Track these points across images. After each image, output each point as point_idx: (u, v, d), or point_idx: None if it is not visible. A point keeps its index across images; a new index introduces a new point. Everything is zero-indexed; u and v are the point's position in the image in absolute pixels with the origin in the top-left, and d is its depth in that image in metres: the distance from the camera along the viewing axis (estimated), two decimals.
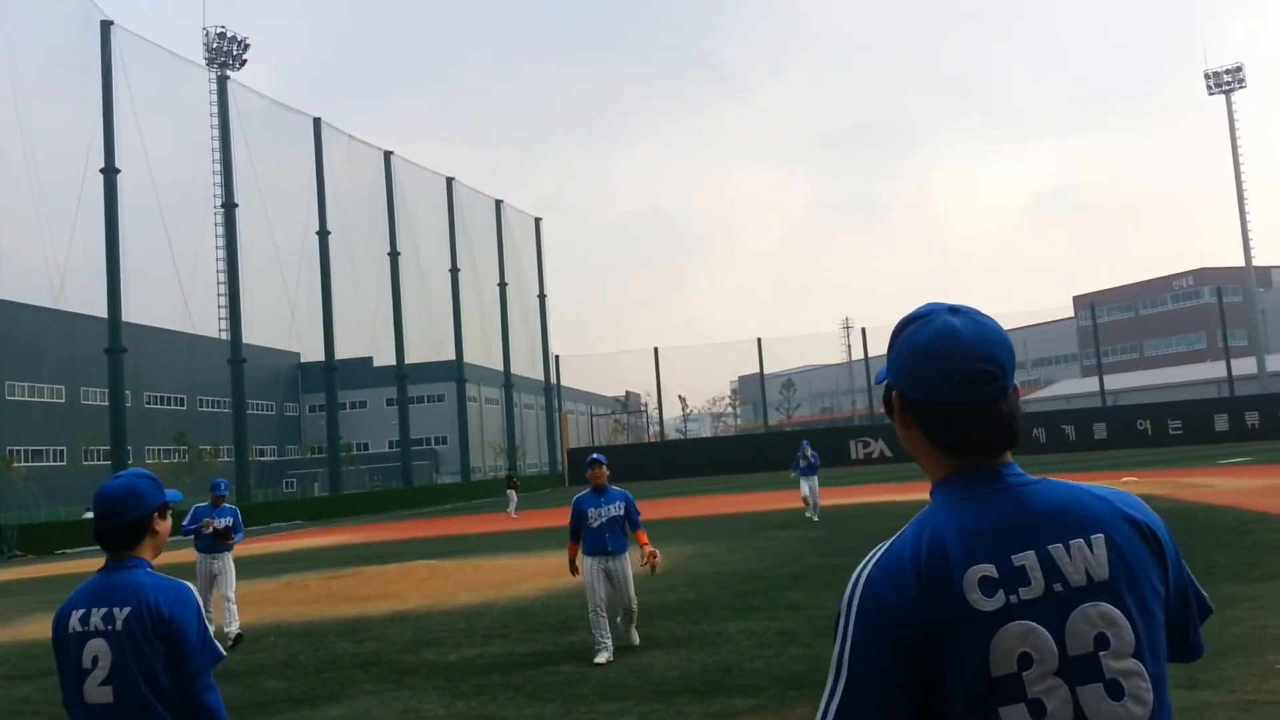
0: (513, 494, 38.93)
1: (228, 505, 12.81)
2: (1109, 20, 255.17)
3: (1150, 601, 1.61)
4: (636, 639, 10.06)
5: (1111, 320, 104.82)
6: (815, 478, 24.06)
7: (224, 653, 3.59)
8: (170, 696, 3.33)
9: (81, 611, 3.37)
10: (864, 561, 1.64)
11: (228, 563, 12.60)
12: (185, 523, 12.43)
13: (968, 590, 1.54)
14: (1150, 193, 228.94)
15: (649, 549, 9.66)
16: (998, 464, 1.67)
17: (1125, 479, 29.95)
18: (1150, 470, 34.84)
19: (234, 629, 12.13)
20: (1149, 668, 1.57)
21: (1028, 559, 1.57)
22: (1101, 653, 1.54)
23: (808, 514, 23.88)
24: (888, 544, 1.64)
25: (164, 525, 3.57)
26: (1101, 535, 1.60)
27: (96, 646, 3.32)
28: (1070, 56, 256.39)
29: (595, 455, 9.92)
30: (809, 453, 23.85)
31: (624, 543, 9.69)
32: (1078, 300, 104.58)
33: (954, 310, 1.70)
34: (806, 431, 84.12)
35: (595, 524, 9.55)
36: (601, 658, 9.32)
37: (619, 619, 9.91)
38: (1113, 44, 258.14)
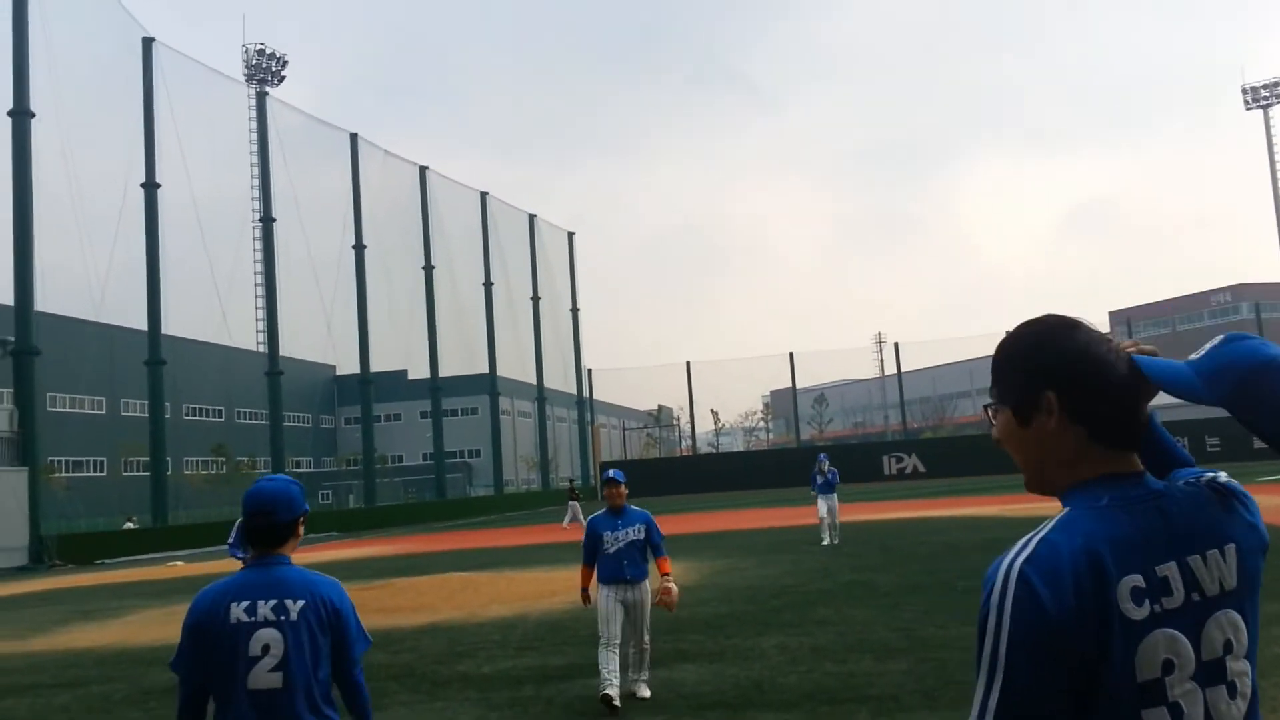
0: (576, 505, 38.98)
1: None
2: (1145, 35, 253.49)
3: (1257, 601, 1.70)
4: (646, 691, 8.65)
5: (1148, 335, 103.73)
6: (835, 496, 22.27)
7: (371, 640, 3.94)
8: (325, 684, 3.66)
9: (246, 603, 3.63)
10: (1009, 558, 1.62)
11: None
12: (231, 541, 10.76)
13: (1121, 600, 1.57)
14: (1187, 208, 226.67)
15: (665, 583, 8.45)
16: (1135, 469, 1.72)
17: None
18: None
19: None
20: (1252, 665, 1.68)
21: (1170, 570, 1.62)
22: (1226, 656, 1.63)
23: (825, 539, 21.78)
24: (1033, 542, 1.63)
25: (302, 531, 3.87)
26: (1232, 545, 1.68)
27: (267, 635, 3.58)
28: (1105, 71, 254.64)
29: (612, 473, 8.75)
30: (827, 468, 22.25)
31: (644, 570, 8.58)
32: (1114, 316, 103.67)
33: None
34: (838, 447, 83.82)
35: (612, 549, 8.49)
36: (611, 690, 8.19)
37: (630, 660, 8.69)
38: (1149, 59, 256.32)
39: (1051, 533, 1.63)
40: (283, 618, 3.60)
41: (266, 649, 3.57)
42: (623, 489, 8.71)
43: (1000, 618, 1.57)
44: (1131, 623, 1.57)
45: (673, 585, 8.46)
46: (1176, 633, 1.59)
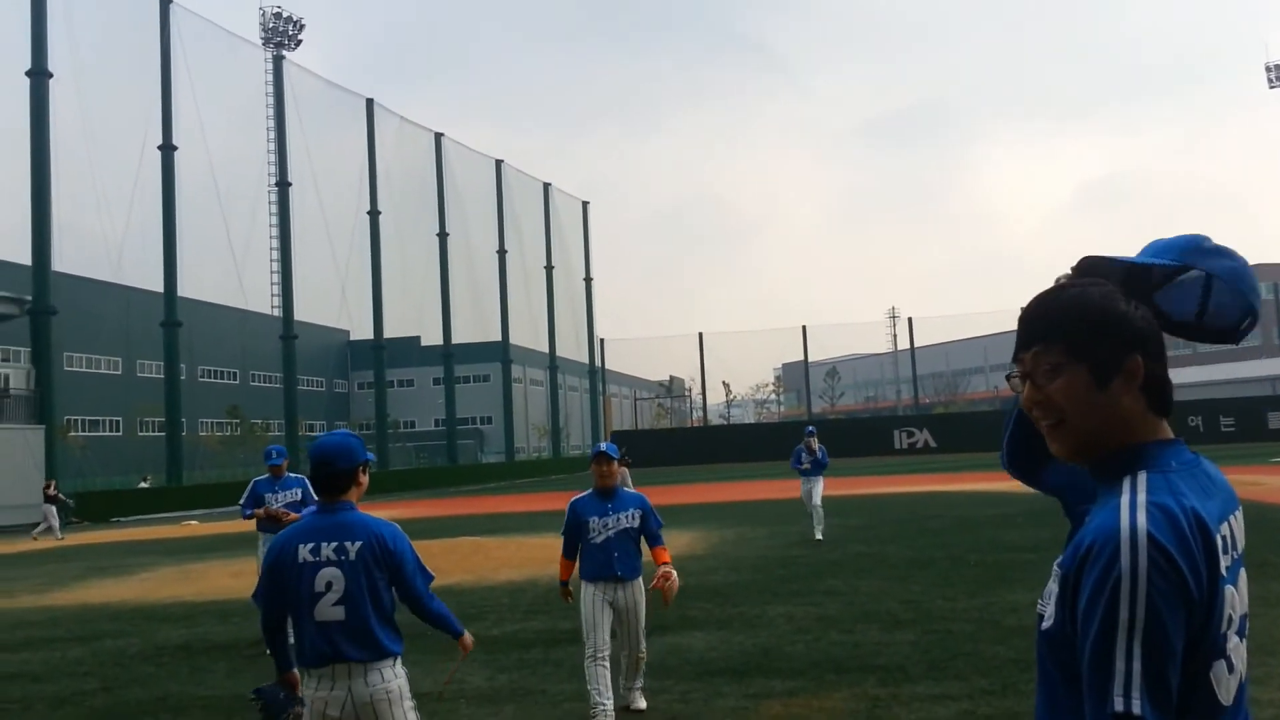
0: (625, 472, 38.90)
1: (291, 475, 10.60)
2: (1168, 11, 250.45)
3: None
4: (642, 702, 7.35)
5: None
6: (821, 480, 18.16)
7: (433, 574, 4.44)
8: (388, 614, 4.15)
9: (311, 545, 4.09)
10: (1127, 523, 1.60)
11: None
12: (242, 502, 10.55)
13: (1221, 553, 1.62)
14: (1206, 185, 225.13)
15: (663, 569, 6.96)
16: (1174, 436, 1.76)
17: None
18: None
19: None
20: None
21: (1227, 527, 1.68)
22: (1244, 613, 1.71)
23: (818, 534, 17.53)
24: (1140, 507, 1.62)
25: (365, 479, 4.30)
26: (1240, 508, 1.77)
27: (330, 574, 4.05)
28: (1127, 46, 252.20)
29: (603, 446, 7.27)
30: (816, 445, 18.17)
31: (637, 565, 7.10)
32: None
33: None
34: (849, 420, 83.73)
35: (599, 538, 6.96)
36: (603, 717, 6.80)
37: (623, 667, 7.30)
38: (1172, 35, 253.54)
39: (1155, 496, 1.63)
40: (343, 558, 4.05)
41: (329, 585, 4.02)
42: (615, 466, 7.17)
43: (1135, 582, 1.55)
44: (1219, 577, 1.60)
45: (673, 571, 7.02)
46: (1234, 587, 1.64)
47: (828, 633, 9.70)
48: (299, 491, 10.30)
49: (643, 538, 7.13)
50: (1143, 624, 1.53)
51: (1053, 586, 1.69)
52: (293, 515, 9.68)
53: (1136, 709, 1.51)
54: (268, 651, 6.05)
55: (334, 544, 4.07)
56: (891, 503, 25.25)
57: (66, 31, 41.63)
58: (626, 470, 39.89)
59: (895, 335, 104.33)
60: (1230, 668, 1.62)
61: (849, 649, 8.94)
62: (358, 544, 4.08)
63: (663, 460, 56.53)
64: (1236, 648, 1.64)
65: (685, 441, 68.46)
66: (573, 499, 7.23)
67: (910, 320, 76.83)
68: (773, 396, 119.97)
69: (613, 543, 6.99)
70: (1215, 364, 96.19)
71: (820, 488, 18.06)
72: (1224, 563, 1.61)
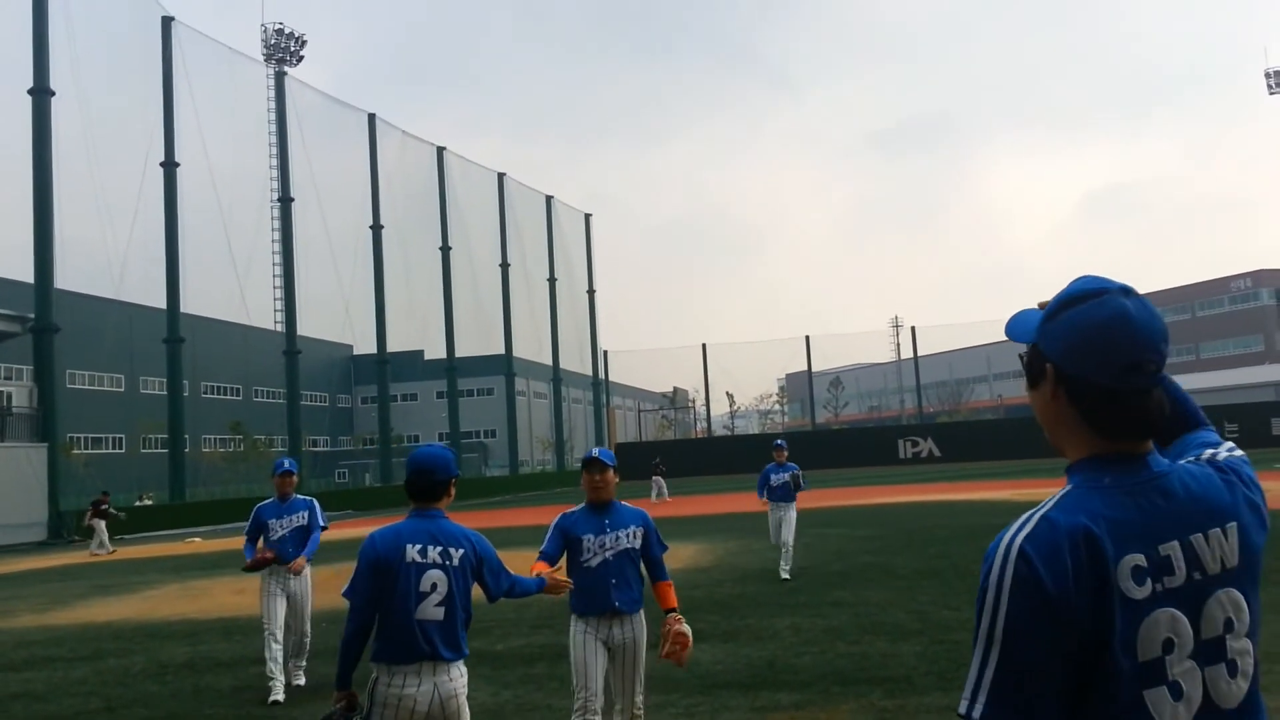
0: (660, 481, 39.30)
1: (299, 497, 9.20)
2: (1167, 18, 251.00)
3: (1258, 579, 1.69)
4: None
5: (1167, 321, 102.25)
6: (794, 509, 14.78)
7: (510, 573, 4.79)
8: (468, 622, 4.49)
9: (419, 546, 4.35)
10: (1008, 535, 1.61)
11: (306, 582, 9.15)
12: (247, 531, 9.20)
13: (1121, 579, 1.57)
14: (1208, 193, 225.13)
15: (676, 626, 5.66)
16: (1141, 451, 1.69)
17: None
18: None
19: (300, 678, 9.14)
20: (1254, 644, 1.67)
21: (1172, 549, 1.61)
22: (1227, 635, 1.63)
23: (784, 569, 14.46)
24: (1033, 520, 1.62)
25: (454, 491, 4.64)
26: (1234, 524, 1.68)
27: (435, 576, 4.33)
28: (1127, 55, 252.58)
29: (597, 452, 5.90)
30: (786, 459, 14.93)
31: (638, 596, 5.74)
32: None
33: (1126, 292, 1.71)
34: (854, 430, 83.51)
35: (594, 560, 5.65)
36: None
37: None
38: (1171, 43, 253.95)
39: (1052, 510, 1.62)
40: (447, 562, 4.36)
41: (434, 586, 4.30)
42: (610, 475, 5.76)
43: (999, 594, 1.57)
44: (1132, 602, 1.56)
45: (686, 629, 5.69)
46: (1177, 611, 1.59)
47: (835, 644, 9.63)
48: (305, 515, 9.07)
49: (643, 563, 5.82)
50: (1000, 635, 1.55)
51: None
52: (300, 561, 8.88)
53: (976, 714, 1.54)
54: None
55: (439, 548, 4.37)
56: (897, 513, 25.17)
57: (69, 49, 41.76)
58: (662, 480, 39.92)
59: (899, 345, 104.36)
60: (1178, 694, 1.57)
61: (856, 660, 8.88)
62: (460, 551, 4.42)
63: (667, 472, 56.48)
64: (1188, 673, 1.58)
65: (689, 453, 68.37)
66: (561, 514, 5.86)
67: (914, 329, 76.86)
68: (777, 407, 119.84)
69: (610, 567, 5.64)
70: (1219, 370, 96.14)
71: (793, 518, 14.72)
72: (1141, 589, 1.57)
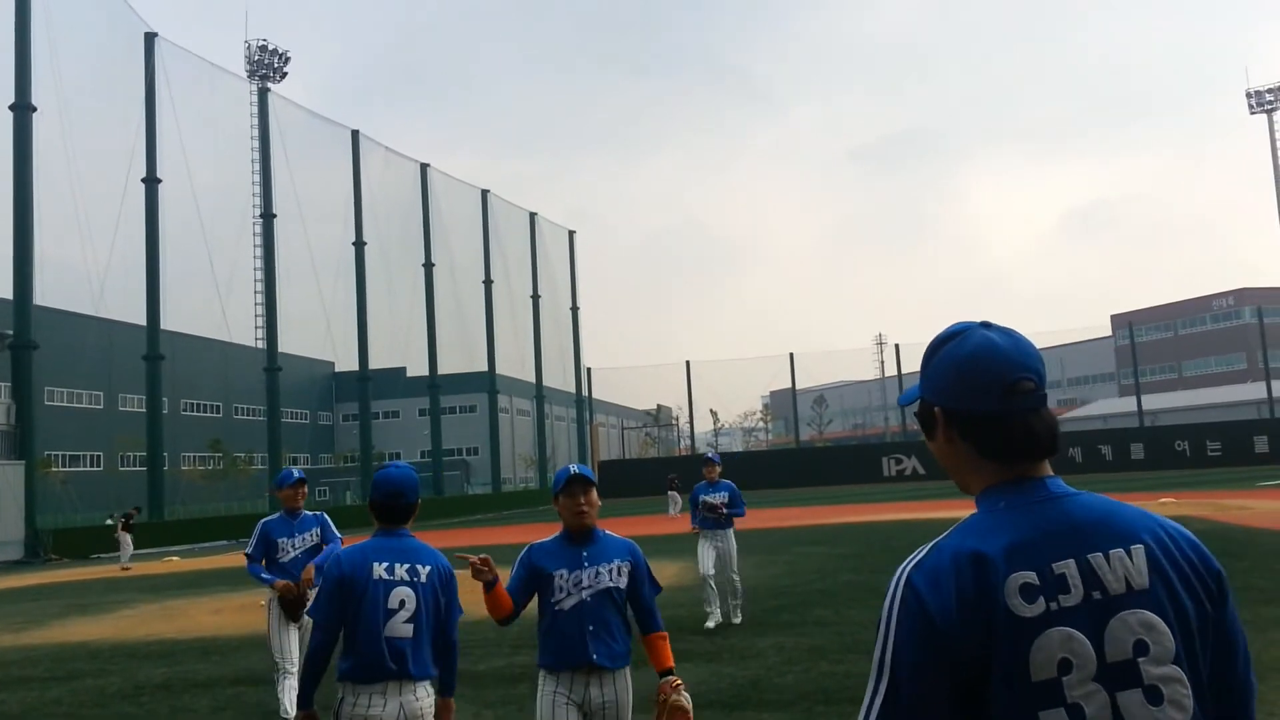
0: (675, 495, 39.44)
1: (307, 512, 8.24)
2: (1149, 37, 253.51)
3: (1192, 612, 1.63)
4: None
5: (1150, 340, 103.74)
6: (731, 535, 12.31)
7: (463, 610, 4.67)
8: (436, 638, 4.44)
9: (385, 563, 4.33)
10: (904, 564, 1.66)
11: None
12: (249, 552, 8.18)
13: (1009, 596, 1.57)
14: (1190, 211, 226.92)
15: (674, 696, 4.49)
16: (1040, 475, 1.71)
17: (1163, 500, 29.62)
18: (1188, 491, 34.41)
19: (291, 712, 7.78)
20: (1189, 674, 1.60)
21: (1068, 567, 1.60)
22: (1140, 659, 1.57)
23: (711, 616, 12.11)
24: (929, 548, 1.67)
25: (417, 511, 4.62)
26: (1141, 546, 1.64)
27: (403, 592, 4.31)
28: (1108, 73, 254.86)
29: (575, 468, 4.72)
30: (719, 475, 12.17)
31: (623, 648, 4.63)
32: (1115, 319, 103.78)
33: (986, 325, 1.78)
34: (838, 448, 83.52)
35: (568, 603, 4.59)
36: None
37: None
38: (1152, 61, 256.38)
39: (945, 538, 1.66)
40: (415, 579, 4.35)
41: (402, 603, 4.29)
42: (595, 496, 4.68)
43: (889, 623, 1.61)
44: (1021, 620, 1.56)
45: (686, 700, 4.48)
46: (1074, 631, 1.56)
47: (818, 663, 9.58)
48: (318, 532, 8.11)
49: (629, 608, 4.68)
50: (890, 662, 1.58)
51: None
52: (310, 571, 7.79)
53: None
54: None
55: (407, 565, 4.36)
56: (881, 530, 25.15)
57: (50, 65, 41.62)
58: (678, 495, 39.79)
59: (883, 362, 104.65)
60: (1079, 716, 1.54)
61: (839, 679, 8.83)
62: (428, 568, 4.42)
63: (649, 490, 56.37)
64: (1090, 696, 1.54)
65: (672, 470, 68.26)
66: (531, 544, 4.80)
67: (897, 347, 76.87)
68: (760, 424, 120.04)
69: (587, 610, 4.52)
70: (1201, 389, 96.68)
71: (734, 549, 12.31)
72: (1031, 607, 1.56)
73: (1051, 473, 1.73)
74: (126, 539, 29.17)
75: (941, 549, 1.64)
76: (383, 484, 4.48)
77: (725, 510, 11.98)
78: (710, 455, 11.81)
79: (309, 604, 7.00)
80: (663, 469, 68.91)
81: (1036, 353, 1.77)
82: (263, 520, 8.22)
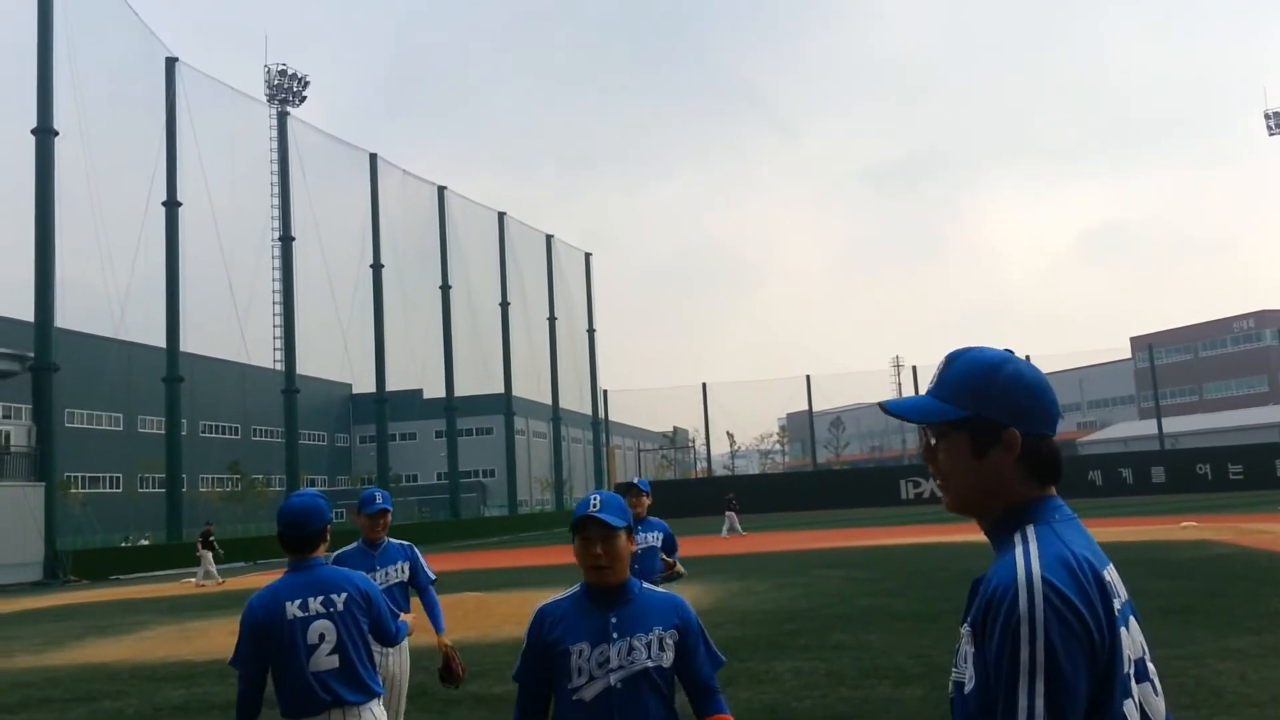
0: (732, 516, 39.51)
1: (392, 541, 6.60)
2: (1168, 58, 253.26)
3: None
4: None
5: (1170, 362, 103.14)
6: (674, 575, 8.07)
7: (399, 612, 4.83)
8: (371, 657, 4.43)
9: (298, 600, 4.26)
10: (1020, 569, 1.69)
11: (405, 658, 6.64)
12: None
13: (1111, 597, 1.72)
14: (1209, 233, 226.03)
15: None
16: (1055, 494, 1.87)
17: (1185, 524, 29.36)
18: (1210, 515, 34.11)
19: None
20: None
21: (1111, 573, 1.78)
22: (1144, 656, 1.79)
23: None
24: (1034, 555, 1.72)
25: (329, 536, 4.55)
26: (1111, 563, 1.83)
27: (321, 626, 4.25)
28: (1126, 94, 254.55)
29: (599, 501, 3.34)
30: (647, 507, 8.13)
31: None
32: (1135, 341, 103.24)
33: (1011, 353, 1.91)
34: (855, 471, 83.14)
35: (589, 689, 3.26)
36: None
37: None
38: (1172, 82, 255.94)
39: (1045, 546, 1.73)
40: (331, 610, 4.28)
41: (323, 637, 4.24)
42: (623, 542, 3.32)
43: (1033, 625, 1.64)
44: (1115, 618, 1.70)
45: None
46: (1126, 630, 1.73)
47: (837, 689, 9.52)
48: (405, 567, 6.53)
49: (677, 686, 3.44)
50: (1044, 664, 1.62)
51: (966, 648, 1.77)
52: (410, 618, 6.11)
53: None
54: None
55: (320, 598, 4.28)
56: (899, 554, 25.02)
57: (72, 89, 42.04)
58: (734, 515, 39.62)
59: (900, 384, 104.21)
60: (1136, 707, 1.70)
61: (858, 705, 8.76)
62: (343, 595, 4.33)
63: (666, 512, 56.21)
64: (1141, 688, 1.73)
65: (689, 493, 68.12)
66: (541, 605, 3.41)
67: (914, 369, 76.72)
68: (777, 447, 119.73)
69: (617, 700, 3.26)
70: (1222, 411, 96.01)
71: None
72: (1115, 606, 1.71)
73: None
74: (208, 556, 29.42)
75: (1059, 554, 1.71)
76: (284, 514, 4.39)
77: (679, 569, 7.97)
78: (637, 482, 8.35)
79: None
80: (679, 491, 68.84)
81: None
82: (339, 553, 6.37)
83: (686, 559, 6.32)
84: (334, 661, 4.25)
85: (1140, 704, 1.72)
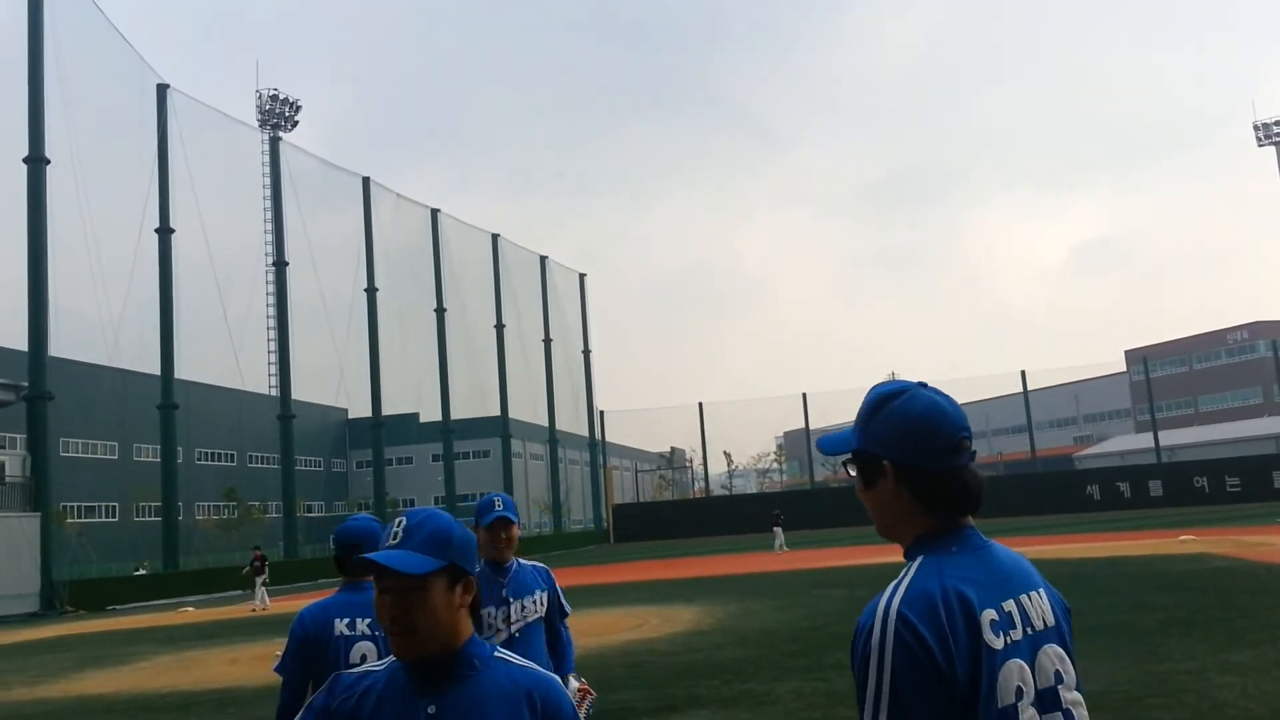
0: (779, 532, 40.12)
1: (524, 563, 4.90)
2: (1155, 70, 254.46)
3: (1070, 644, 1.92)
4: None
5: (1165, 375, 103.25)
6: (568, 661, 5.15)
7: None
8: None
9: (347, 620, 4.33)
10: (884, 602, 1.78)
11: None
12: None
13: (985, 631, 1.75)
14: (1200, 245, 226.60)
15: None
16: (967, 524, 1.91)
17: (1183, 537, 29.33)
18: (1209, 528, 34.08)
19: None
20: (1083, 698, 1.88)
21: (1011, 605, 1.82)
22: (1059, 686, 1.83)
23: None
24: (903, 586, 1.81)
25: None
26: (1042, 589, 1.91)
27: (365, 647, 4.31)
28: (1117, 108, 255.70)
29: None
30: (510, 544, 4.75)
31: None
32: (1130, 354, 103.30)
33: (924, 385, 1.96)
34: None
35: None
36: None
37: None
38: (1159, 94, 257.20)
39: (918, 577, 1.81)
40: (376, 633, 4.31)
41: (364, 658, 4.27)
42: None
43: (883, 656, 1.72)
44: (993, 652, 1.75)
45: None
46: (1023, 662, 1.78)
47: (837, 709, 9.46)
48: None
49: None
50: (888, 693, 1.70)
51: None
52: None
53: None
54: None
55: (368, 620, 4.33)
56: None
57: (64, 118, 42.09)
58: (781, 530, 39.86)
59: None
60: None
61: None
62: None
63: (665, 533, 56.11)
64: (1032, 718, 1.76)
65: (688, 513, 68.02)
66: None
67: None
68: (775, 465, 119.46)
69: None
70: (1219, 423, 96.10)
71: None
72: (998, 640, 1.75)
73: (972, 523, 1.93)
74: (257, 581, 29.39)
75: (925, 587, 1.78)
76: (342, 536, 4.50)
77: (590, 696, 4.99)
78: (499, 510, 4.72)
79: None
80: (677, 512, 68.74)
81: (964, 414, 1.95)
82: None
83: (686, 580, 3.60)
84: None
85: None
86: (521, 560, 4.88)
